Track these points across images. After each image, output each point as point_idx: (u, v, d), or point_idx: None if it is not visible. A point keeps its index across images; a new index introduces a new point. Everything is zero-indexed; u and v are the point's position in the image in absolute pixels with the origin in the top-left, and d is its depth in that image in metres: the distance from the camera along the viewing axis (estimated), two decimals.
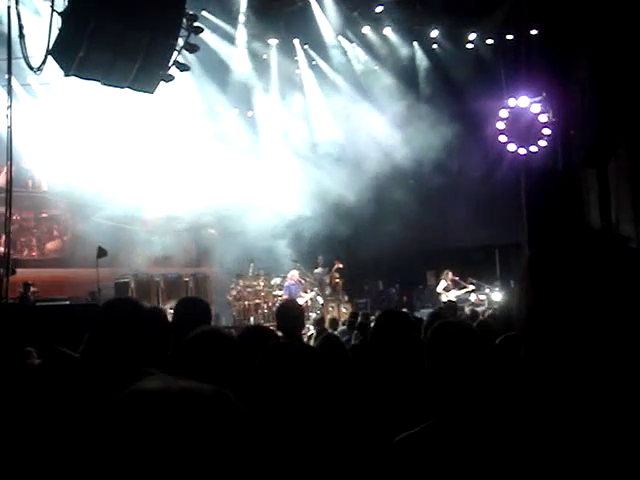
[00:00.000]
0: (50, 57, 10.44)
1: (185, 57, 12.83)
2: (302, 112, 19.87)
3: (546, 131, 18.15)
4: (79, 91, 14.49)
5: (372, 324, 6.34)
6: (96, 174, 16.35)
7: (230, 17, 17.62)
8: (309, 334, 11.62)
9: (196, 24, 12.06)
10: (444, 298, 16.86)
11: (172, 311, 5.53)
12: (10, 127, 10.72)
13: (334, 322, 13.01)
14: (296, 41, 19.13)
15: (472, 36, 18.84)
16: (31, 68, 11.14)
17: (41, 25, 11.08)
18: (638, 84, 14.17)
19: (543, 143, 18.22)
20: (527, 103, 18.18)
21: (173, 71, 11.67)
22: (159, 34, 10.84)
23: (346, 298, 18.83)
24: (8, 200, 10.90)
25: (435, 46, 19.40)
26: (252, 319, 16.60)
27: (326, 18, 18.29)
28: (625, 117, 15.07)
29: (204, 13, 15.64)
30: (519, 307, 1.31)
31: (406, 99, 18.88)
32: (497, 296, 16.73)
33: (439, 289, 17.49)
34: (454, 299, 16.52)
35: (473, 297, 17.39)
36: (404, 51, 19.44)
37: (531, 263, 1.31)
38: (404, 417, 3.03)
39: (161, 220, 18.00)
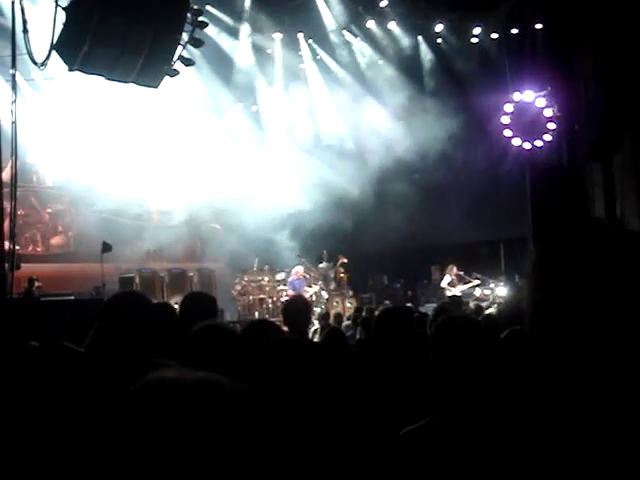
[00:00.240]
0: (54, 52, 10.45)
1: (189, 51, 12.82)
2: (306, 106, 19.85)
3: (551, 125, 18.10)
4: (83, 86, 14.50)
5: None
6: (101, 169, 16.36)
7: (234, 11, 17.60)
8: (314, 329, 11.64)
9: (201, 19, 12.05)
10: (449, 293, 16.84)
11: (177, 306, 5.55)
12: (15, 122, 10.73)
13: (339, 317, 13.03)
14: (300, 35, 19.10)
15: (477, 30, 18.76)
16: (35, 63, 11.15)
17: (45, 20, 11.08)
18: None
19: (548, 137, 18.17)
20: (532, 97, 18.12)
21: (178, 66, 11.68)
22: (163, 29, 10.84)
23: (351, 293, 18.84)
24: (13, 195, 10.92)
25: (440, 40, 19.32)
26: (257, 314, 16.62)
27: (330, 12, 18.25)
28: (630, 111, 15.03)
29: (208, 7, 15.61)
30: (526, 303, 1.31)
31: (410, 93, 18.84)
32: (502, 291, 16.69)
33: (443, 284, 17.48)
34: (459, 294, 16.51)
35: (478, 292, 17.36)
36: (408, 45, 19.39)
37: (538, 259, 1.31)
38: (407, 411, 3.02)
39: (166, 215, 18.02)
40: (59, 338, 3.38)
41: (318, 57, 19.66)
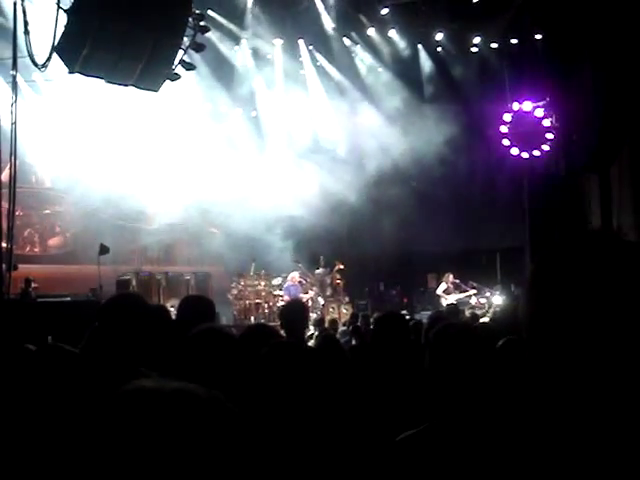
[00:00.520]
0: (55, 54, 10.46)
1: (190, 56, 12.83)
2: (306, 112, 19.86)
3: (549, 136, 18.15)
4: (84, 88, 14.49)
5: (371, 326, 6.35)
6: (100, 171, 16.34)
7: (235, 16, 17.62)
8: (309, 334, 11.63)
9: (202, 23, 12.08)
10: (444, 301, 16.84)
11: (173, 309, 5.55)
12: (14, 123, 10.73)
13: (334, 323, 13.03)
14: (301, 41, 19.13)
15: (476, 40, 18.83)
16: (36, 65, 11.16)
17: (46, 22, 11.08)
18: None
19: (546, 147, 18.21)
20: (530, 107, 18.18)
21: (179, 70, 11.69)
22: (165, 33, 10.86)
23: (347, 299, 18.80)
24: (11, 196, 10.91)
25: (439, 49, 19.38)
26: (253, 318, 16.58)
27: (331, 19, 18.30)
28: (627, 122, 15.08)
29: (209, 12, 15.64)
30: (523, 314, 1.32)
31: (409, 100, 18.88)
32: (498, 300, 16.70)
33: (439, 291, 17.48)
34: (454, 302, 16.51)
35: (474, 300, 17.38)
36: (408, 53, 19.44)
37: (536, 270, 1.32)
38: (401, 419, 3.04)
39: (163, 218, 17.99)
40: (55, 339, 3.40)
41: (318, 63, 19.69)
